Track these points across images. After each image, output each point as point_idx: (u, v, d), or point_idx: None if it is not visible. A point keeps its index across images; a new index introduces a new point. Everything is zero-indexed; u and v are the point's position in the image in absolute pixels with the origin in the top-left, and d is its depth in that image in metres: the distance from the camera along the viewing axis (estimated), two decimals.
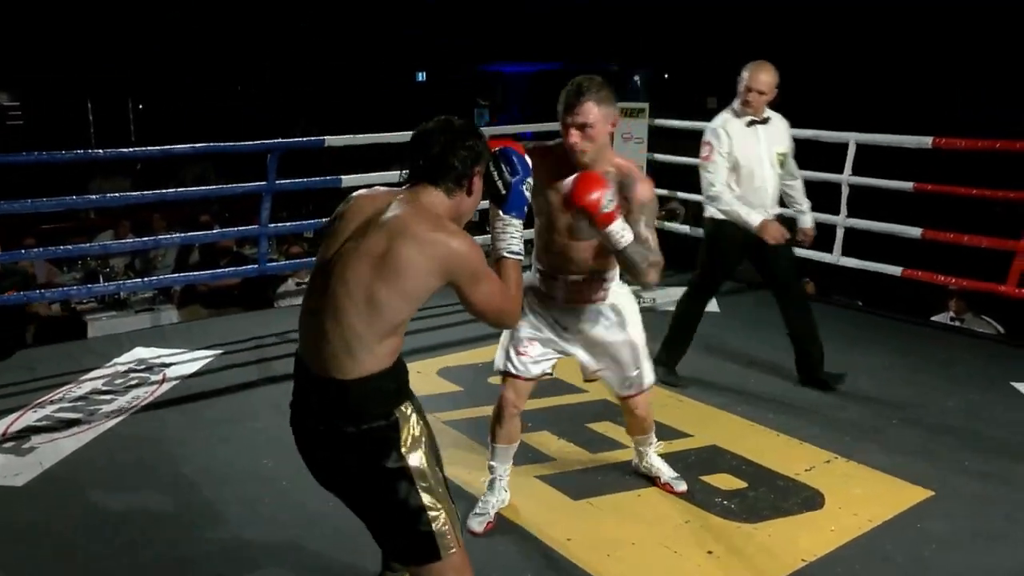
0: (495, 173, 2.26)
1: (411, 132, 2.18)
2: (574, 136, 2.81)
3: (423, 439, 2.14)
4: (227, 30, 14.80)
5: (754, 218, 4.19)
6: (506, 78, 18.49)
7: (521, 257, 2.25)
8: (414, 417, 2.14)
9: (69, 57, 14.07)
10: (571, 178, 2.71)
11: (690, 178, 7.03)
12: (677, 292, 6.10)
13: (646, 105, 6.86)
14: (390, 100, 16.22)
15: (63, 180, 9.63)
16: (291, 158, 5.92)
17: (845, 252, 5.86)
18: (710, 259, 4.58)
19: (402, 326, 2.10)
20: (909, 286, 5.84)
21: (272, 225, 5.89)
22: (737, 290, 6.47)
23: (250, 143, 5.62)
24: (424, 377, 4.66)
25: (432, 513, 2.10)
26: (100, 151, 5.97)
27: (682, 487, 3.43)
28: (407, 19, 15.82)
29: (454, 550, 2.13)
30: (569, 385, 4.39)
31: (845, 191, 5.76)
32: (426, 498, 2.10)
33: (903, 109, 11.44)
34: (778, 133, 4.37)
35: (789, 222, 4.56)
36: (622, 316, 3.13)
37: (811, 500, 3.41)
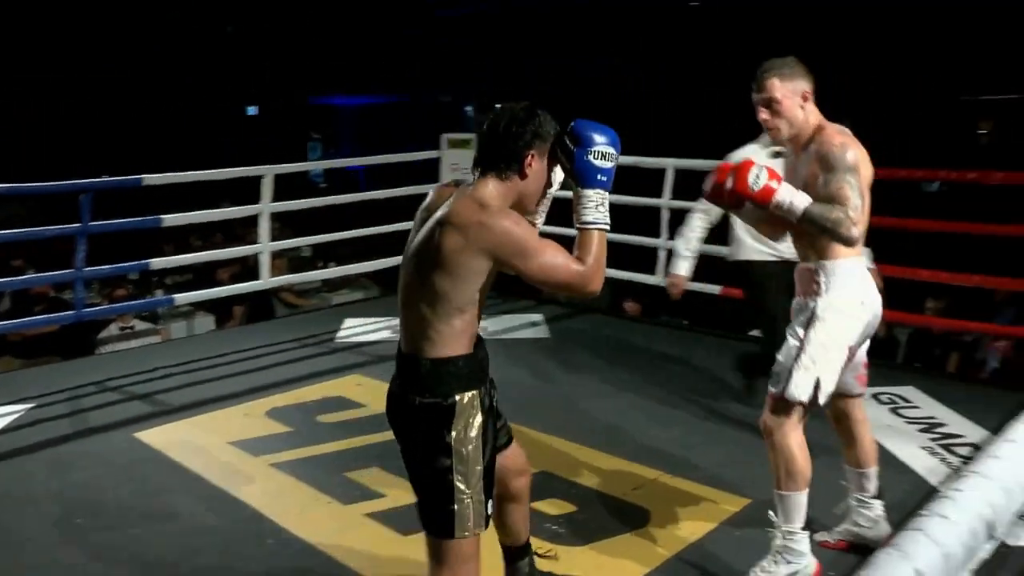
0: (559, 150, 2.24)
1: (239, 168, 2.17)
2: (763, 114, 2.80)
3: (477, 431, 2.25)
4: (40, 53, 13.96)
5: (674, 262, 4.31)
6: (338, 111, 18.30)
7: (597, 225, 2.22)
8: (476, 408, 2.25)
9: None
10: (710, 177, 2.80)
11: None
12: (513, 320, 6.16)
13: (472, 136, 6.92)
14: (220, 135, 15.77)
15: None
16: (113, 197, 5.65)
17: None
18: (755, 307, 4.37)
19: (469, 308, 2.21)
20: (730, 303, 6.08)
21: (89, 268, 5.57)
22: (568, 315, 6.58)
23: (61, 183, 5.32)
24: (252, 419, 4.50)
25: (460, 496, 2.23)
26: None
27: None
28: (236, 51, 15.42)
29: (467, 536, 2.25)
30: None
31: (665, 215, 5.96)
32: (459, 481, 2.22)
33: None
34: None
35: None
36: (815, 316, 2.77)
37: (638, 518, 3.47)
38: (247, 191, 5.94)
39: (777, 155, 3.89)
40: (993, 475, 1.02)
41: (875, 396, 4.78)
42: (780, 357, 2.82)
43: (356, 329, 6.16)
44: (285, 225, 9.18)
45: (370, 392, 4.86)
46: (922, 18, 11.52)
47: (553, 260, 2.17)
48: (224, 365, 5.38)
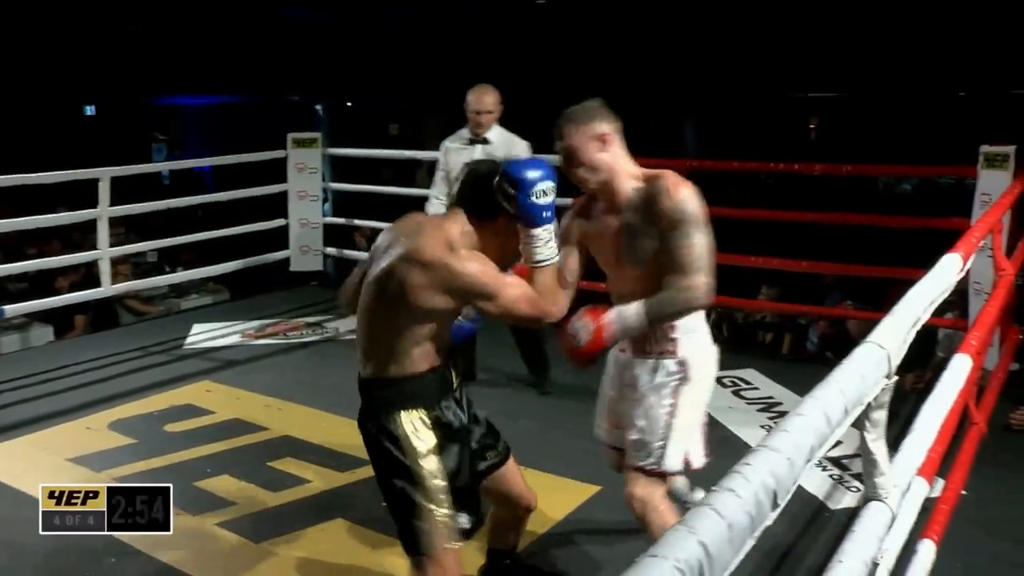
0: (500, 196, 2.28)
1: (74, 171, 2.11)
2: (565, 163, 2.53)
3: (434, 448, 2.32)
4: None
5: None
6: (183, 111, 17.65)
7: (547, 262, 2.31)
8: (426, 425, 2.33)
9: None
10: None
11: (368, 204, 7.12)
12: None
13: (318, 135, 6.83)
14: (54, 136, 14.99)
15: None
16: None
17: None
18: None
19: (429, 336, 2.28)
20: (602, 299, 6.21)
21: None
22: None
23: None
24: (95, 433, 4.32)
25: (423, 513, 2.30)
26: None
27: None
28: (69, 47, 14.63)
29: (435, 552, 2.32)
30: (248, 424, 4.26)
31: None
32: (420, 499, 2.30)
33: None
34: (500, 152, 4.40)
35: None
36: (686, 378, 2.58)
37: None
38: (90, 195, 5.67)
39: (472, 142, 4.57)
40: (780, 448, 1.11)
41: (717, 380, 4.95)
42: (643, 425, 2.58)
43: (205, 335, 6.00)
44: (131, 230, 8.83)
45: (220, 398, 4.74)
46: (751, 18, 12.06)
47: (514, 297, 2.26)
48: (64, 378, 5.14)
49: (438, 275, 2.19)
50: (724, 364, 5.03)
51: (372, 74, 14.33)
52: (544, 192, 2.24)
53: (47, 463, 3.98)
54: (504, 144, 4.57)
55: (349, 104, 15.05)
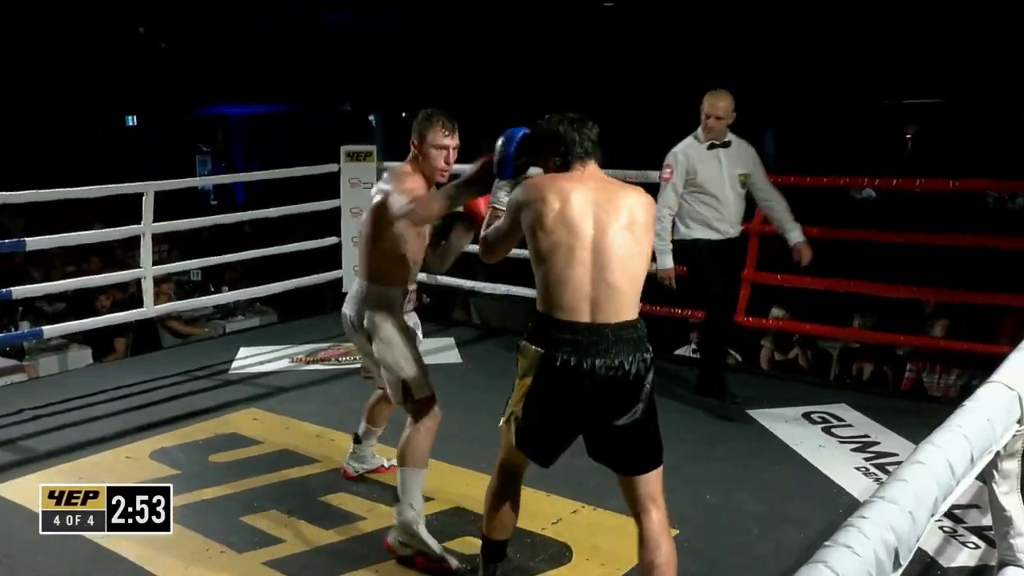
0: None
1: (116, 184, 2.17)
2: (452, 157, 3.40)
3: None
4: None
5: (661, 259, 4.91)
6: (229, 121, 17.97)
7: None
8: None
9: None
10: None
11: None
12: (422, 346, 6.16)
13: (373, 148, 6.88)
14: (97, 147, 15.40)
15: None
16: None
17: None
18: (693, 279, 5.11)
19: None
20: (653, 322, 6.16)
21: None
22: (480, 337, 6.59)
23: None
24: (135, 462, 4.37)
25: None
26: None
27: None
28: (112, 56, 15.02)
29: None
30: (298, 455, 4.28)
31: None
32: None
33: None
34: (740, 156, 4.95)
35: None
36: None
37: (559, 555, 3.48)
38: (133, 210, 5.79)
39: (712, 147, 4.91)
40: (899, 500, 1.06)
41: (806, 415, 4.92)
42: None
43: (252, 359, 6.07)
44: (174, 247, 9.01)
45: (267, 427, 4.78)
46: (838, 22, 11.94)
47: None
48: (102, 403, 5.23)
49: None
50: (814, 399, 5.08)
51: (425, 82, 14.48)
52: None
53: None
54: (739, 145, 4.99)
55: (404, 114, 15.20)
